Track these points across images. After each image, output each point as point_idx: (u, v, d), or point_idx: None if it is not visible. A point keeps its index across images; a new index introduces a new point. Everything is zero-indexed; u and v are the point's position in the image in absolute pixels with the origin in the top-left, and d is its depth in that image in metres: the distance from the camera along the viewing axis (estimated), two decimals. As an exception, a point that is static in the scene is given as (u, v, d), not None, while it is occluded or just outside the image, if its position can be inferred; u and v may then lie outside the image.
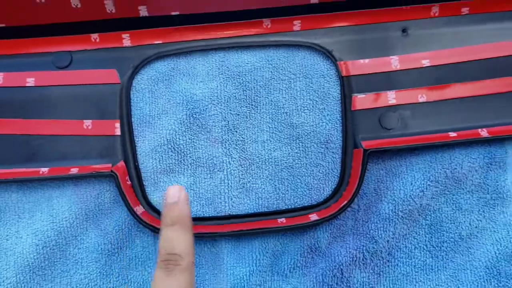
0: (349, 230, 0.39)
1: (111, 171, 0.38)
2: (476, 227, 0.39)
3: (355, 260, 0.39)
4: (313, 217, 0.39)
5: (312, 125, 0.40)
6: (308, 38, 0.41)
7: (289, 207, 0.40)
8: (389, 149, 0.39)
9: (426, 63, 0.41)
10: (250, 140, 0.40)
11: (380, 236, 0.39)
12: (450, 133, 0.40)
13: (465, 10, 0.41)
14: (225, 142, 0.40)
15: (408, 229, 0.39)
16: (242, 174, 0.40)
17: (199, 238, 0.39)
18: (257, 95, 0.41)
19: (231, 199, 0.40)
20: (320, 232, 0.39)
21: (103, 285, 0.38)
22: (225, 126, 0.40)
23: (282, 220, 0.39)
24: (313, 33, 0.41)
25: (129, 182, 0.39)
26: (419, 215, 0.39)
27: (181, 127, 0.40)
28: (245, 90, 0.41)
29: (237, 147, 0.40)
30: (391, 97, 0.40)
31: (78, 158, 0.40)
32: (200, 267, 0.39)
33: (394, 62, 0.41)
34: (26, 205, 0.39)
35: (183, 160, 0.40)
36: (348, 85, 0.40)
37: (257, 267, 0.39)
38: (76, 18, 0.39)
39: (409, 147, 0.39)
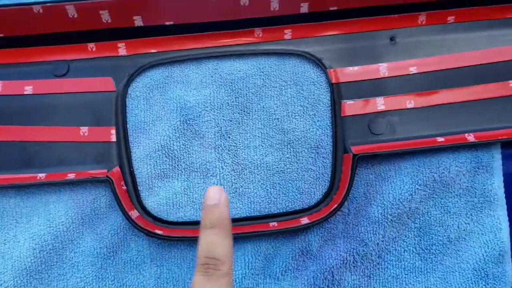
0: (340, 233, 0.40)
1: (107, 176, 0.39)
2: (464, 230, 0.40)
3: (346, 263, 0.40)
4: (304, 220, 0.39)
5: (303, 131, 0.41)
6: (298, 47, 0.42)
7: (281, 211, 0.40)
8: (378, 154, 0.40)
9: (413, 70, 0.42)
10: (242, 146, 0.41)
11: (370, 239, 0.40)
12: (437, 138, 0.41)
13: (451, 18, 0.43)
14: (218, 147, 0.41)
15: (398, 232, 0.40)
16: (234, 179, 0.41)
17: (192, 242, 0.40)
18: (249, 102, 0.42)
19: (224, 203, 0.40)
20: (311, 236, 0.40)
21: (98, 288, 0.39)
22: (218, 132, 0.41)
23: (274, 224, 0.40)
24: (303, 41, 0.42)
25: (124, 187, 0.40)
26: (408, 218, 0.40)
27: (175, 133, 0.41)
28: (238, 97, 0.42)
29: (229, 153, 0.41)
30: (379, 103, 0.41)
31: (75, 163, 0.41)
32: (193, 270, 0.40)
33: (383, 70, 0.42)
34: (23, 210, 0.40)
35: (177, 165, 0.41)
36: (337, 92, 0.41)
37: (249, 270, 0.39)
38: (73, 28, 0.41)
39: (397, 152, 0.40)
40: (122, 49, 0.42)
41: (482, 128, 0.41)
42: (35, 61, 0.42)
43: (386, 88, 0.42)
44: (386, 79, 0.42)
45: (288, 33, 0.42)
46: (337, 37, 0.42)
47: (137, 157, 0.41)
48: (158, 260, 0.40)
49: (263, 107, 0.42)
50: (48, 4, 0.39)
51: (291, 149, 0.41)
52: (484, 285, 0.39)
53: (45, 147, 0.41)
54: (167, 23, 0.41)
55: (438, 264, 0.40)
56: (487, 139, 0.40)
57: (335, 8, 0.41)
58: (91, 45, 0.42)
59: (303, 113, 0.42)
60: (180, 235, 0.39)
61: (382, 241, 0.40)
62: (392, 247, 0.40)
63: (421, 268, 0.40)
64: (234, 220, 0.40)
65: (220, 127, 0.41)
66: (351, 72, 0.42)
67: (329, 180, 0.41)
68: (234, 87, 0.42)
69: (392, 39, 0.43)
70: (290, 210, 0.40)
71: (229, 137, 0.41)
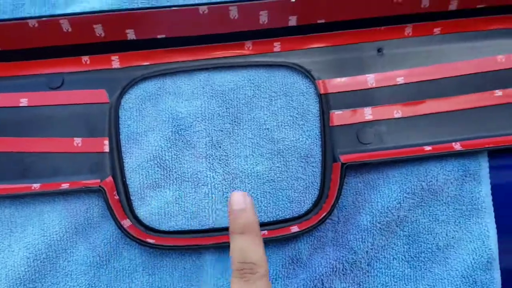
0: (329, 241, 0.41)
1: (100, 186, 0.40)
2: (452, 237, 0.41)
3: (335, 271, 0.40)
4: (294, 229, 0.40)
5: (293, 140, 0.42)
6: (288, 59, 0.43)
7: (271, 219, 0.41)
8: (367, 163, 0.40)
9: (400, 80, 0.43)
10: (233, 155, 0.42)
11: (359, 247, 0.40)
12: (425, 146, 0.41)
13: (437, 30, 0.44)
14: (209, 157, 0.42)
15: (387, 240, 0.41)
16: (225, 188, 0.41)
17: (184, 250, 0.40)
18: (239, 112, 0.43)
19: (215, 212, 0.41)
20: (301, 244, 0.40)
21: (91, 296, 0.40)
22: (209, 142, 0.42)
23: (264, 232, 0.40)
24: (292, 53, 0.43)
25: (116, 197, 0.41)
26: (397, 226, 0.41)
27: (167, 143, 0.42)
28: (228, 108, 0.43)
29: (220, 162, 0.42)
30: (367, 113, 0.42)
31: (69, 174, 0.41)
32: (185, 279, 0.40)
33: (370, 80, 0.43)
34: (18, 220, 0.41)
35: (169, 175, 0.41)
36: (326, 102, 0.42)
37: (240, 278, 0.40)
38: (67, 41, 0.41)
39: (385, 161, 0.40)
40: (115, 62, 0.43)
41: (468, 137, 0.42)
42: (31, 74, 0.43)
43: (373, 98, 0.42)
44: (373, 89, 0.43)
45: (277, 46, 0.43)
46: (325, 49, 0.43)
47: (130, 167, 0.41)
48: (150, 269, 0.40)
49: (254, 118, 0.42)
50: (43, 19, 0.40)
51: (281, 158, 0.42)
52: (473, 292, 0.40)
53: (40, 158, 0.42)
54: (159, 36, 0.42)
55: (427, 271, 0.40)
56: (474, 147, 0.41)
57: (323, 21, 0.42)
58: (85, 58, 0.43)
59: (293, 123, 0.42)
60: (171, 244, 0.39)
61: (371, 249, 0.40)
62: (381, 255, 0.40)
63: (410, 276, 0.40)
64: (224, 229, 0.41)
65: (211, 137, 0.42)
66: (339, 83, 0.43)
67: (319, 188, 0.41)
68: (225, 98, 0.43)
69: (379, 50, 0.43)
70: (280, 218, 0.41)
71: (220, 147, 0.42)
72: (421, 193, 0.41)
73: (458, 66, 0.43)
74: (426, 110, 0.42)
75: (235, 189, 0.41)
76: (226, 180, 0.41)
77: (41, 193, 0.40)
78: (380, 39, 0.43)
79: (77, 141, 0.42)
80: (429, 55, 0.43)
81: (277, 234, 0.40)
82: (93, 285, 0.40)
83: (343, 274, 0.40)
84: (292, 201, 0.41)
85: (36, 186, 0.40)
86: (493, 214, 0.41)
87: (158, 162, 0.41)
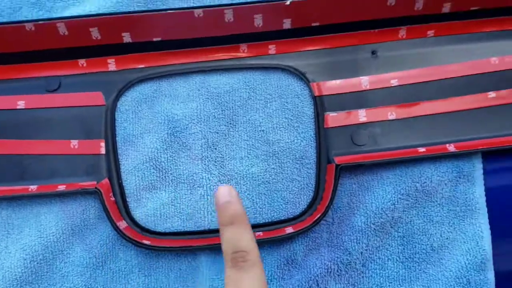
0: (324, 242, 0.41)
1: (96, 188, 0.40)
2: (447, 238, 0.41)
3: (330, 272, 0.40)
4: (289, 230, 0.40)
5: (288, 142, 0.42)
6: (282, 61, 0.44)
7: (266, 221, 0.41)
8: (361, 164, 0.41)
9: (394, 82, 0.43)
10: (228, 157, 0.42)
11: (354, 248, 0.41)
12: (419, 148, 0.42)
13: (430, 32, 0.44)
14: (205, 159, 0.42)
15: (381, 241, 0.41)
16: (221, 190, 0.42)
17: (179, 252, 0.40)
18: (235, 114, 0.43)
19: (211, 213, 0.41)
20: (296, 245, 0.41)
21: (87, 298, 0.40)
22: (205, 144, 0.42)
23: (259, 234, 0.40)
24: (287, 56, 0.44)
25: (112, 198, 0.41)
26: (391, 227, 0.41)
27: (163, 145, 0.42)
28: (224, 110, 0.43)
29: (216, 164, 0.42)
30: (361, 115, 0.42)
31: (66, 176, 0.42)
32: (180, 280, 0.40)
33: (364, 82, 0.43)
34: (15, 221, 0.41)
35: (165, 177, 0.42)
36: (321, 105, 0.43)
37: (235, 279, 0.40)
38: (64, 44, 0.42)
39: (379, 162, 0.41)
40: (111, 64, 0.43)
41: (462, 138, 0.42)
42: (28, 77, 0.43)
43: (368, 100, 0.43)
44: (367, 91, 0.43)
45: (272, 48, 0.44)
46: (320, 51, 0.44)
47: (126, 169, 0.42)
48: (146, 270, 0.40)
49: (249, 120, 0.43)
50: (40, 22, 0.40)
51: (276, 160, 0.42)
52: (466, 292, 0.40)
53: (37, 160, 0.42)
54: (155, 39, 0.42)
55: (422, 272, 0.41)
56: (467, 149, 0.41)
57: (317, 23, 0.43)
58: (82, 61, 0.43)
59: (288, 125, 0.43)
60: (167, 245, 0.40)
61: (366, 250, 0.41)
62: (376, 255, 0.41)
63: (404, 277, 0.41)
64: (219, 231, 0.41)
65: (207, 139, 0.42)
66: (334, 85, 0.43)
67: (314, 190, 0.42)
68: (221, 100, 0.43)
69: (373, 53, 0.44)
70: (275, 220, 0.41)
71: (215, 149, 0.42)
72: (415, 194, 0.41)
73: (452, 68, 0.43)
74: (420, 112, 0.43)
75: (231, 190, 0.42)
76: (222, 181, 0.42)
77: (38, 194, 0.40)
78: (374, 42, 0.44)
79: (74, 143, 0.42)
80: (423, 57, 0.44)
81: (272, 235, 0.40)
82: (89, 286, 0.40)
83: (338, 275, 0.40)
84: (287, 202, 0.42)
85: (33, 187, 0.41)
86: (487, 215, 0.41)
87: (154, 164, 0.42)
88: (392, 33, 0.44)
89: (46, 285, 0.40)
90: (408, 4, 0.42)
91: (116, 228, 0.39)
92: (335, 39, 0.44)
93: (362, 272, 0.41)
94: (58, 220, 0.41)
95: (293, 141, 0.42)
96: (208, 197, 0.42)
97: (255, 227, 0.41)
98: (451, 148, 0.41)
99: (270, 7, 0.41)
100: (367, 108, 0.43)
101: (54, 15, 0.43)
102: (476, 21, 0.44)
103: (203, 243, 0.40)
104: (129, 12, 0.41)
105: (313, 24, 0.43)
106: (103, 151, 0.42)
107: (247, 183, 0.42)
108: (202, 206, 0.41)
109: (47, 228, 0.41)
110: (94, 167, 0.42)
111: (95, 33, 0.41)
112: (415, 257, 0.41)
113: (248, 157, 0.42)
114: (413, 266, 0.41)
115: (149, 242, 0.40)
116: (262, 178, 0.42)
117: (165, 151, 0.42)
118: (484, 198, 0.41)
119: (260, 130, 0.43)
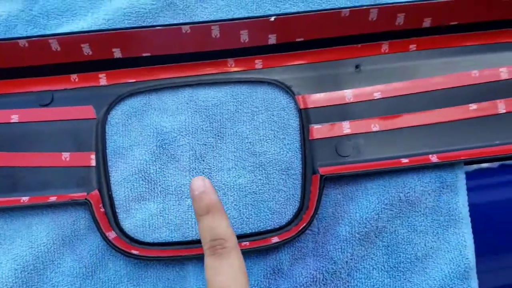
0: (310, 252, 0.42)
1: (86, 199, 0.41)
2: (431, 247, 0.42)
3: (316, 281, 0.41)
4: (275, 239, 0.41)
5: (274, 154, 0.43)
6: (269, 75, 0.45)
7: (253, 231, 0.42)
8: (345, 175, 0.42)
9: (377, 95, 0.44)
10: (216, 168, 0.43)
11: (339, 257, 0.41)
12: (402, 159, 0.42)
13: (412, 47, 0.45)
14: (193, 170, 0.43)
15: (366, 251, 0.41)
16: (208, 201, 0.43)
17: (167, 262, 0.41)
18: (222, 127, 0.44)
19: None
20: (282, 255, 0.41)
21: (77, 307, 0.41)
22: (193, 156, 0.43)
23: (245, 243, 0.41)
24: (273, 70, 0.45)
25: (102, 210, 0.42)
26: (376, 237, 0.42)
27: (152, 157, 0.43)
28: (212, 122, 0.44)
29: (204, 175, 0.43)
30: (345, 127, 0.43)
31: (58, 187, 0.42)
32: (169, 289, 0.41)
33: (348, 95, 0.44)
34: (7, 232, 0.42)
35: (154, 188, 0.43)
36: (306, 117, 0.44)
37: (222, 288, 0.41)
38: (56, 60, 0.43)
39: (364, 173, 0.42)
40: (102, 79, 0.44)
41: (445, 149, 0.43)
42: (22, 92, 0.44)
43: (351, 112, 0.44)
44: (351, 104, 0.44)
45: (258, 63, 0.45)
46: (305, 66, 0.45)
47: (115, 181, 0.43)
48: (135, 280, 0.41)
49: (236, 132, 0.44)
50: (33, 39, 0.41)
51: (263, 171, 0.43)
52: (450, 301, 0.40)
53: (30, 172, 0.43)
54: (144, 54, 0.44)
55: (406, 281, 0.41)
56: (450, 159, 0.42)
57: (301, 39, 0.44)
58: (74, 76, 0.44)
59: (274, 137, 0.44)
60: (155, 255, 0.40)
61: (351, 259, 0.41)
62: (361, 265, 0.41)
63: (389, 286, 0.41)
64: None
65: (195, 151, 0.43)
66: (319, 98, 0.44)
67: (299, 200, 0.42)
68: (209, 113, 0.44)
69: (357, 67, 0.45)
70: (261, 229, 0.42)
71: (203, 160, 0.43)
72: (399, 204, 0.42)
73: (434, 81, 0.44)
74: (402, 123, 0.44)
75: (218, 201, 0.42)
76: (209, 192, 0.43)
77: (29, 206, 0.41)
78: (357, 56, 0.45)
79: (65, 155, 0.43)
80: (405, 71, 0.45)
81: (258, 245, 0.41)
82: (79, 296, 0.41)
83: (324, 284, 0.41)
84: (273, 212, 0.42)
85: (25, 199, 0.42)
86: (470, 224, 0.42)
87: (143, 175, 0.43)
88: (375, 47, 0.45)
89: (36, 295, 0.41)
90: (390, 20, 0.43)
91: (105, 239, 0.40)
92: (320, 53, 0.45)
93: (348, 281, 0.41)
94: (49, 231, 0.41)
95: (279, 152, 0.43)
96: (196, 207, 0.42)
97: (241, 237, 0.42)
98: (433, 158, 0.42)
99: (255, 23, 0.42)
100: (351, 120, 0.44)
101: (48, 33, 0.45)
102: (457, 35, 0.45)
103: (190, 253, 0.41)
104: (119, 29, 0.42)
105: (298, 40, 0.44)
106: (93, 163, 0.43)
107: (234, 194, 0.43)
108: (190, 217, 0.42)
109: (38, 239, 0.41)
110: (85, 179, 0.43)
111: (86, 49, 0.43)
112: (400, 266, 0.41)
113: (235, 169, 0.43)
114: (397, 275, 0.41)
115: (138, 252, 0.40)
116: (249, 189, 0.43)
117: (154, 163, 0.43)
118: (467, 208, 0.42)
119: (247, 142, 0.44)
